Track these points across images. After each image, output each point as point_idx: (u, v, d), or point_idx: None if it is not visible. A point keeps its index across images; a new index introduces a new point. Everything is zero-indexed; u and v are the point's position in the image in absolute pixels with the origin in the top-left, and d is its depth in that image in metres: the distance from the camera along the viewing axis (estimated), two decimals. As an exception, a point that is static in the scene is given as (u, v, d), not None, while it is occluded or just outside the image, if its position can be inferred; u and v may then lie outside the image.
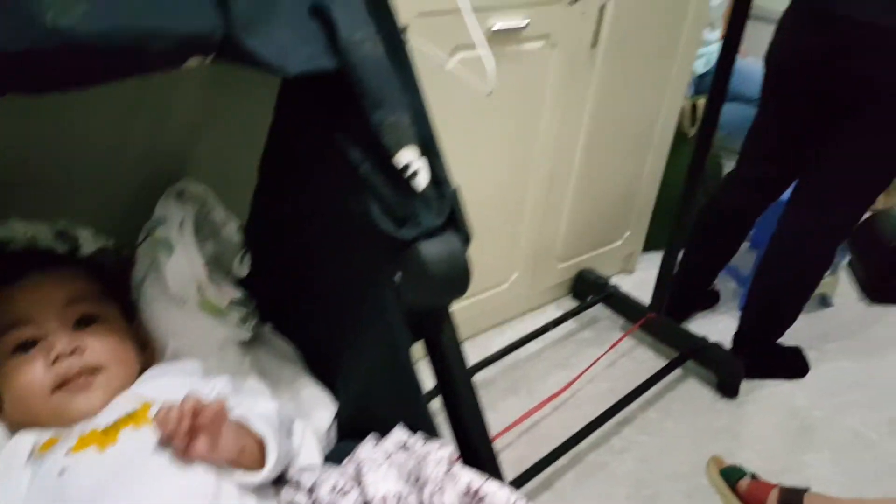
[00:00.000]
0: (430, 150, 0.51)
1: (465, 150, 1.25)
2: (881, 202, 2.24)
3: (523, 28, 1.19)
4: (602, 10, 1.29)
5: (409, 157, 0.50)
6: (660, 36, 1.45)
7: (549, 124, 1.36)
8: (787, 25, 1.26)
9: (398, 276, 0.51)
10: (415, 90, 0.52)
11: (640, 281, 1.74)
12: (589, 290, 1.66)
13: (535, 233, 1.50)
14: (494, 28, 1.15)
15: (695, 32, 1.52)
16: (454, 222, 0.52)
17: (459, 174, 1.31)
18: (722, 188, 1.53)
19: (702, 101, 1.84)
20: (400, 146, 0.49)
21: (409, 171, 0.50)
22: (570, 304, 1.68)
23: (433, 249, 0.50)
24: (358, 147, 0.51)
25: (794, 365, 1.51)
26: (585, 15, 1.27)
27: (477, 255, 1.46)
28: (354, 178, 0.51)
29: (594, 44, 1.32)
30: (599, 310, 1.64)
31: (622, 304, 1.61)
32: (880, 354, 1.60)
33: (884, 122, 1.15)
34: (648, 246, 1.83)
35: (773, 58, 1.30)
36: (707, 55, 2.13)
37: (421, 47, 0.98)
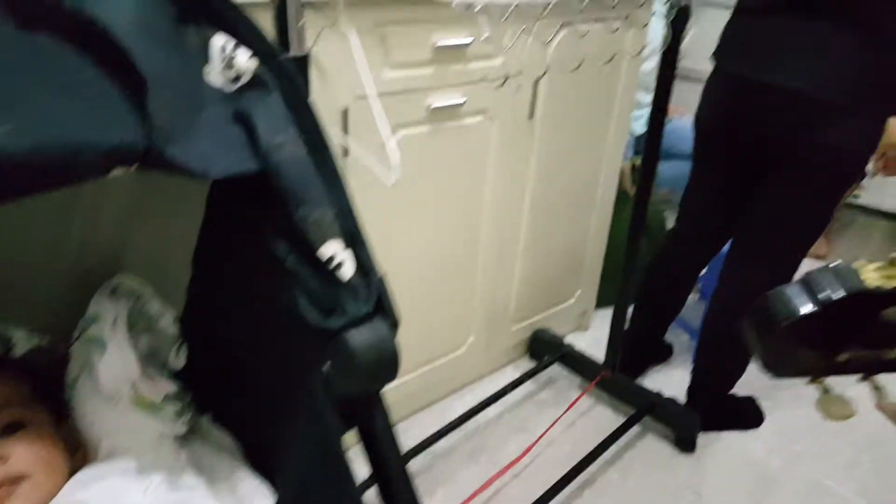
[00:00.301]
0: (355, 241, 0.53)
1: (412, 220, 1.27)
2: (823, 249, 2.34)
3: (461, 105, 1.25)
4: (536, 84, 1.35)
5: (333, 250, 0.51)
6: (594, 102, 1.52)
7: (494, 191, 1.40)
8: (709, 91, 1.34)
9: (327, 366, 0.52)
10: (338, 185, 0.54)
11: (595, 338, 1.77)
12: (545, 349, 1.67)
13: (489, 296, 1.52)
14: (433, 106, 1.20)
15: (628, 96, 1.60)
16: (382, 309, 0.53)
17: (408, 245, 1.34)
18: (664, 244, 1.59)
19: (638, 161, 1.94)
20: (324, 240, 0.51)
21: (334, 263, 0.51)
22: (527, 364, 1.69)
23: (361, 337, 0.51)
24: (283, 241, 0.52)
25: (748, 415, 1.54)
26: (521, 89, 1.34)
27: (432, 321, 1.49)
28: (281, 271, 0.52)
29: (531, 115, 1.39)
30: (556, 369, 1.66)
31: (578, 363, 1.63)
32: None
33: (805, 179, 1.22)
34: (601, 302, 1.87)
35: (699, 122, 1.38)
36: (644, 116, 2.24)
37: (334, 137, 1.02)
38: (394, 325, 0.54)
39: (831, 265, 0.40)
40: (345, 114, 1.08)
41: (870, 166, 2.18)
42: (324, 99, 1.05)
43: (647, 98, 2.24)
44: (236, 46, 0.52)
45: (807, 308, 0.39)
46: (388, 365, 0.52)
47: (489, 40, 1.17)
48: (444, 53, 1.17)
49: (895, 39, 1.08)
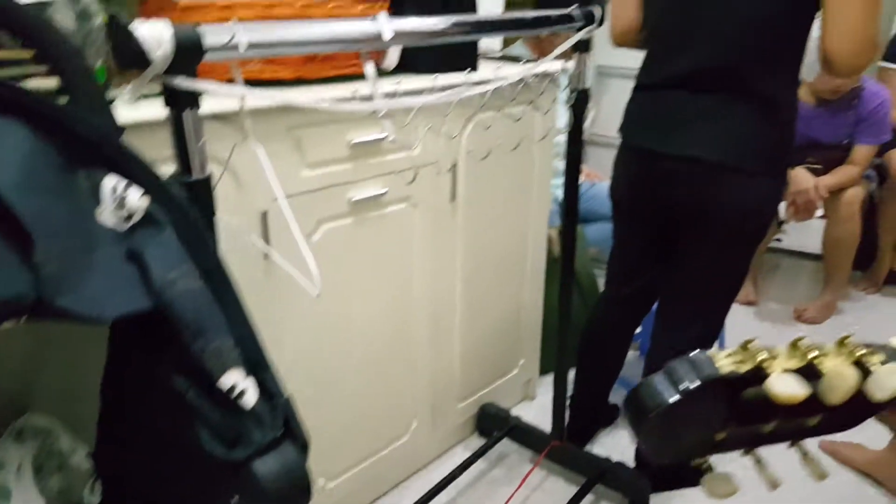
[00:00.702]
0: (257, 366, 0.54)
1: (342, 313, 1.28)
2: (752, 296, 2.44)
3: (383, 195, 1.28)
4: (454, 167, 1.40)
5: (234, 379, 0.52)
6: (512, 178, 1.58)
7: (424, 273, 1.42)
8: (619, 163, 1.42)
9: (235, 500, 0.51)
10: (238, 312, 0.55)
11: (543, 406, 1.77)
12: (493, 425, 1.67)
13: (430, 378, 1.52)
14: (355, 199, 1.23)
15: (545, 166, 1.67)
16: (290, 432, 0.53)
17: (341, 339, 1.33)
18: (595, 307, 1.63)
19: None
20: (224, 370, 0.51)
21: (236, 392, 0.51)
22: (476, 442, 1.68)
23: (268, 466, 0.51)
24: (183, 376, 0.52)
25: (697, 472, 1.55)
26: (440, 175, 1.38)
27: (372, 412, 1.47)
28: (183, 405, 0.52)
29: (453, 198, 1.43)
30: (506, 444, 1.65)
31: (527, 435, 1.62)
32: (778, 447, 1.67)
33: (715, 238, 1.28)
34: (547, 369, 1.89)
35: (613, 192, 1.45)
36: (569, 184, 2.34)
37: (256, 244, 1.03)
38: (303, 447, 0.54)
39: (690, 355, 0.43)
40: (264, 216, 1.09)
41: (784, 213, 2.31)
42: (242, 203, 1.07)
43: (569, 166, 2.36)
44: (128, 186, 0.53)
45: (671, 397, 0.41)
46: (298, 491, 0.52)
47: (399, 140, 1.23)
48: (360, 149, 1.21)
49: (780, 108, 1.17)
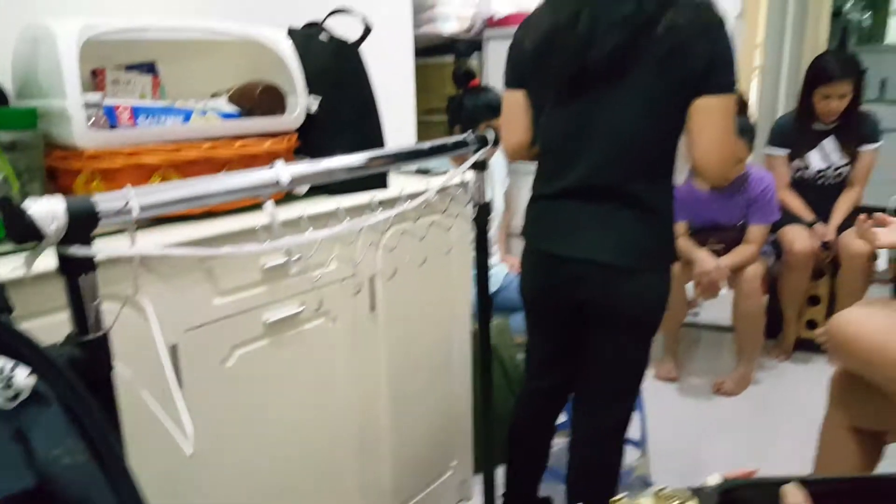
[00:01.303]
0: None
1: (263, 437, 1.27)
2: (673, 372, 2.54)
3: (299, 313, 1.31)
4: (372, 278, 1.46)
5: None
6: (433, 277, 1.64)
7: (347, 385, 1.44)
8: (524, 264, 1.50)
9: None
10: (125, 482, 0.56)
11: (476, 505, 1.77)
12: (427, 531, 1.65)
13: (359, 492, 1.51)
14: (270, 321, 1.26)
15: (465, 266, 1.74)
16: None
17: (263, 463, 1.32)
18: (518, 401, 1.67)
19: (491, 322, 2.07)
20: (111, 541, 0.53)
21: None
22: (413, 551, 1.65)
23: None
24: (70, 552, 0.53)
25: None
26: (358, 287, 1.43)
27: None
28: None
29: (372, 308, 1.47)
30: (442, 550, 1.63)
31: (461, 539, 1.61)
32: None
33: (616, 332, 1.36)
34: (481, 467, 1.89)
35: (522, 291, 1.53)
36: (493, 276, 2.43)
37: (145, 397, 1.04)
38: None
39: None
40: (174, 349, 1.10)
41: (692, 293, 2.46)
42: (150, 338, 1.08)
43: (490, 260, 2.46)
44: (14, 366, 0.55)
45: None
46: None
47: (303, 270, 1.27)
48: (274, 271, 1.25)
49: (659, 214, 1.29)
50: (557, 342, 1.52)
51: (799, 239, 2.53)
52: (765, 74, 3.81)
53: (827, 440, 1.55)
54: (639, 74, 1.17)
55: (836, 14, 5.26)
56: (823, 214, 2.64)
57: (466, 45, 2.63)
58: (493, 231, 2.41)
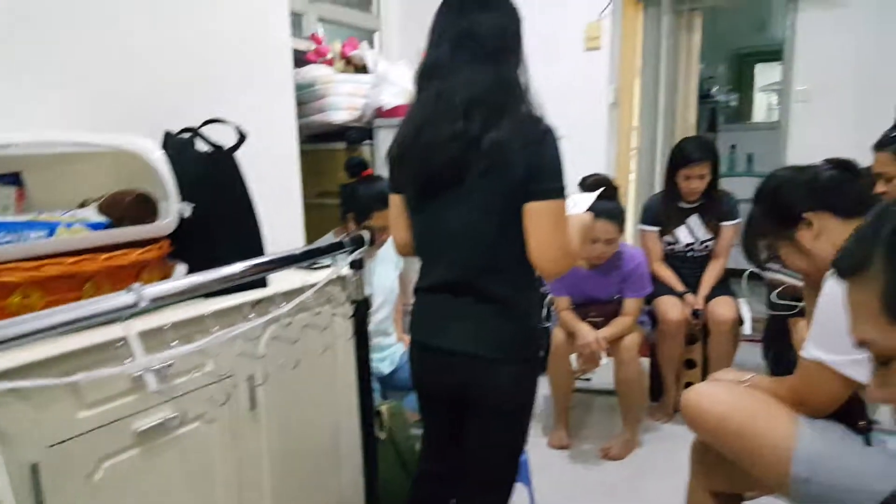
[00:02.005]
0: None
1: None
2: (565, 440, 2.63)
3: (173, 418, 1.30)
4: (251, 378, 1.47)
5: None
6: (317, 371, 1.66)
7: (228, 487, 1.42)
8: (409, 355, 1.56)
9: None
10: None
11: None
12: None
13: None
14: (141, 429, 1.24)
15: (350, 353, 1.77)
16: None
17: None
18: (413, 482, 1.69)
19: (385, 406, 2.10)
20: None
21: None
22: None
23: None
24: None
25: None
26: (236, 387, 1.44)
27: None
28: None
29: (252, 406, 1.48)
30: None
31: None
32: None
33: (490, 418, 1.43)
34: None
35: (412, 378, 1.58)
36: (388, 358, 2.47)
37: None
38: None
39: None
40: (34, 468, 1.07)
41: (575, 364, 2.59)
42: (10, 457, 1.04)
43: (388, 340, 2.51)
44: None
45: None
46: None
47: (162, 391, 1.27)
48: (143, 379, 1.25)
49: (515, 307, 1.39)
50: (443, 428, 1.57)
51: (671, 309, 2.74)
52: (641, 155, 4.15)
53: (691, 502, 1.67)
54: (473, 183, 1.29)
55: (705, 97, 5.85)
56: (694, 284, 2.87)
57: (358, 133, 2.74)
58: (386, 313, 2.47)
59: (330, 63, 2.81)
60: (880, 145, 2.00)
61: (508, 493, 1.53)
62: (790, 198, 1.44)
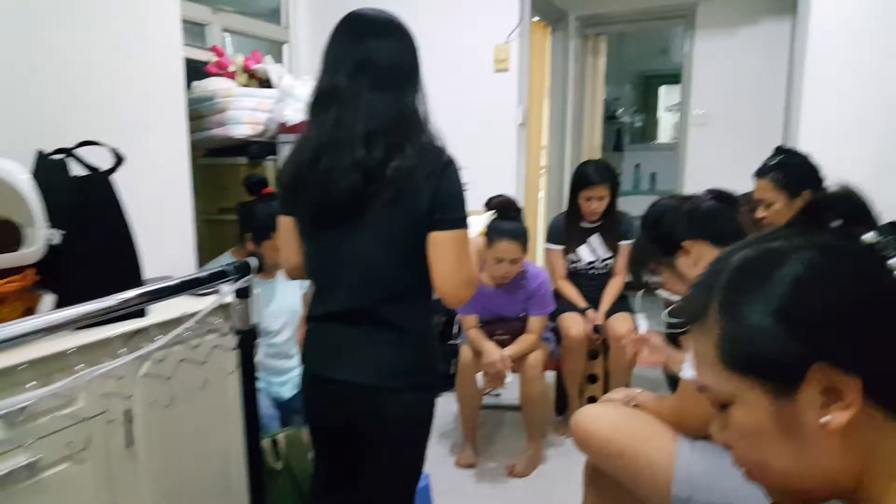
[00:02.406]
0: None
1: None
2: (471, 458, 2.65)
3: (37, 461, 1.21)
4: (128, 412, 1.39)
5: None
6: (202, 403, 1.59)
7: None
8: (301, 382, 1.51)
9: None
10: None
11: None
12: None
13: None
14: (2, 473, 1.14)
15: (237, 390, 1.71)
16: None
17: None
18: None
19: (282, 434, 2.04)
20: None
21: None
22: None
23: None
24: None
25: None
26: (111, 423, 1.35)
27: None
28: None
29: (130, 443, 1.40)
30: None
31: None
32: None
33: (380, 451, 1.41)
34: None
35: (303, 408, 1.54)
36: (290, 381, 2.40)
37: None
38: None
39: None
40: None
41: (481, 383, 2.61)
42: None
43: (289, 363, 2.44)
44: None
45: None
46: None
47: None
48: (4, 418, 1.15)
49: (413, 335, 1.37)
50: (337, 460, 1.53)
51: (574, 325, 2.81)
52: (550, 174, 4.28)
53: (585, 518, 1.71)
54: (374, 213, 1.27)
55: (612, 117, 6.10)
56: (596, 301, 2.97)
57: (260, 149, 2.67)
58: (288, 335, 2.41)
59: (232, 76, 2.72)
60: (760, 173, 2.14)
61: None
62: (671, 226, 1.51)
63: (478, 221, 1.62)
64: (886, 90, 2.69)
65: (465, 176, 3.40)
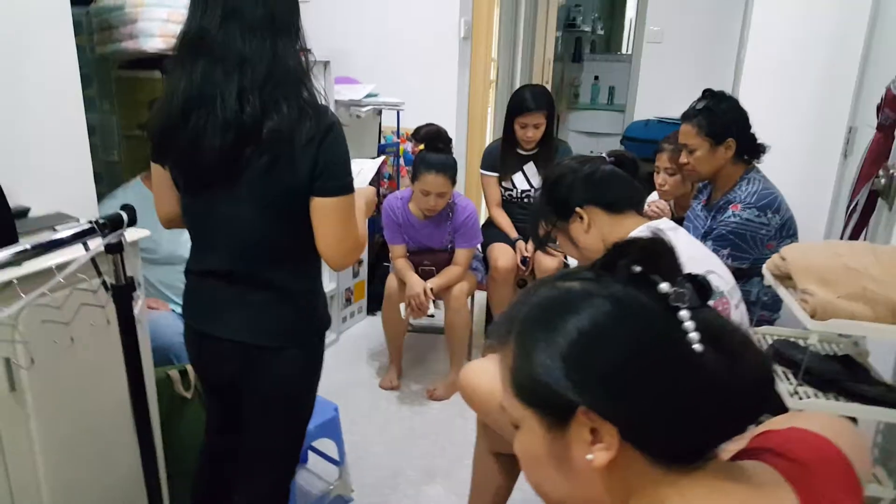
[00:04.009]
0: None
1: None
2: (394, 381, 2.72)
3: None
4: (7, 360, 1.36)
5: None
6: (93, 347, 1.57)
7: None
8: (184, 334, 1.49)
9: None
10: None
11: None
12: None
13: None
14: None
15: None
16: None
17: None
18: (199, 457, 1.67)
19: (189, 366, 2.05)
20: None
21: None
22: None
23: None
24: None
25: None
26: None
27: None
28: None
29: (12, 388, 1.39)
30: None
31: None
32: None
33: (264, 407, 1.43)
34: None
35: (189, 359, 1.54)
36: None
37: None
38: None
39: None
40: None
41: (404, 313, 2.63)
42: None
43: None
44: None
45: None
46: None
47: None
48: None
49: (293, 295, 1.36)
50: (226, 408, 1.55)
51: (502, 256, 2.82)
52: (499, 89, 4.14)
53: (476, 460, 1.79)
54: (250, 177, 1.21)
55: (571, 25, 5.85)
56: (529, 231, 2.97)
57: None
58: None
59: (145, -21, 2.50)
60: (685, 117, 2.09)
61: (291, 471, 1.56)
62: (567, 190, 1.48)
63: (369, 169, 1.56)
64: (840, 15, 2.57)
65: (404, 94, 3.28)
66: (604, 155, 1.52)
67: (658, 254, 0.64)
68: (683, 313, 0.60)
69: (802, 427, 0.70)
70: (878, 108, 1.79)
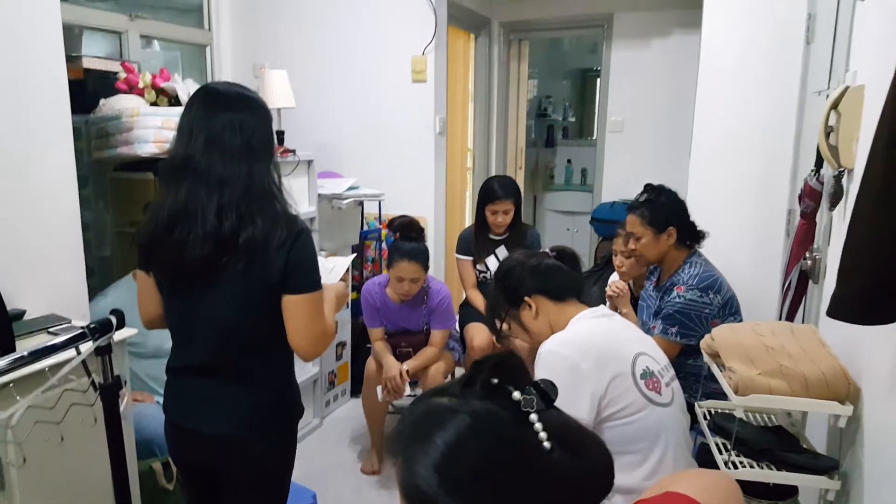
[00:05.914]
0: None
1: None
2: (375, 465, 2.78)
3: None
4: None
5: None
6: (81, 443, 1.66)
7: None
8: (164, 429, 1.59)
9: None
10: None
11: None
12: None
13: None
14: None
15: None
16: None
17: None
18: None
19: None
20: None
21: None
22: None
23: None
24: None
25: None
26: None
27: None
28: None
29: (2, 486, 1.48)
30: None
31: None
32: None
33: (244, 495, 1.52)
34: None
35: (168, 451, 1.63)
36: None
37: None
38: None
39: None
40: None
41: (381, 395, 2.73)
42: None
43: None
44: None
45: None
46: None
47: None
48: None
49: (268, 386, 1.48)
50: (200, 498, 1.62)
51: (478, 335, 2.95)
52: (476, 174, 4.39)
53: None
54: (228, 279, 1.36)
55: (543, 114, 6.23)
56: (503, 309, 3.11)
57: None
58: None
59: (142, 93, 2.74)
60: (630, 208, 2.28)
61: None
62: (517, 281, 1.64)
63: (341, 266, 1.72)
64: (772, 107, 2.77)
65: (386, 184, 3.47)
66: (547, 251, 1.69)
67: (510, 366, 0.72)
68: (533, 416, 0.69)
69: (679, 492, 0.82)
70: (800, 198, 1.99)
